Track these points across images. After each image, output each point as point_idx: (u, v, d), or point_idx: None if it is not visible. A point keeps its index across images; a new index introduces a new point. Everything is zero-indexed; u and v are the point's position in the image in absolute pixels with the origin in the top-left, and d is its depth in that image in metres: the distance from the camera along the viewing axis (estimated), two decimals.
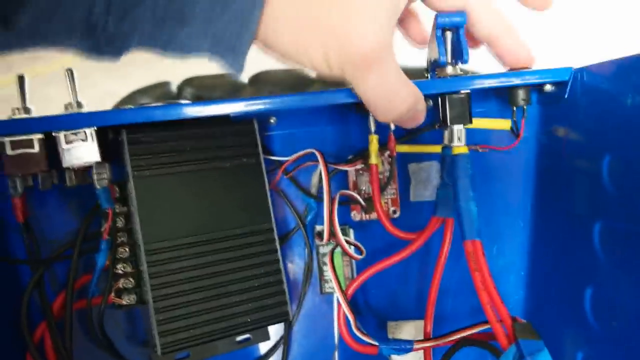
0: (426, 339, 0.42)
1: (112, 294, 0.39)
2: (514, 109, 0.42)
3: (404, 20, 0.40)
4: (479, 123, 0.43)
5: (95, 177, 0.38)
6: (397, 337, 0.47)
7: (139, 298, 0.40)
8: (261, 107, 0.37)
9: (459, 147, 0.39)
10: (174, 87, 0.58)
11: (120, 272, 0.39)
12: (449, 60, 0.39)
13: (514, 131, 0.43)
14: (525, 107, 0.41)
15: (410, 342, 0.40)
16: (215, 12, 0.28)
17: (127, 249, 0.40)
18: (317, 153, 0.41)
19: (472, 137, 0.45)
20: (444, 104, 0.38)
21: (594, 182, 0.37)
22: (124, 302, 0.39)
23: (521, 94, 0.40)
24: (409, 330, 0.46)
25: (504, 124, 0.43)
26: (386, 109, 0.33)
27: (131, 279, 0.40)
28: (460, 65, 0.39)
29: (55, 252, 0.40)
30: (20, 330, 0.38)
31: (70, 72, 0.38)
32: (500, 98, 0.45)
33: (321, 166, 0.40)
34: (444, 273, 0.43)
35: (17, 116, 0.37)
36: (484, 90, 0.39)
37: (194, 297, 0.39)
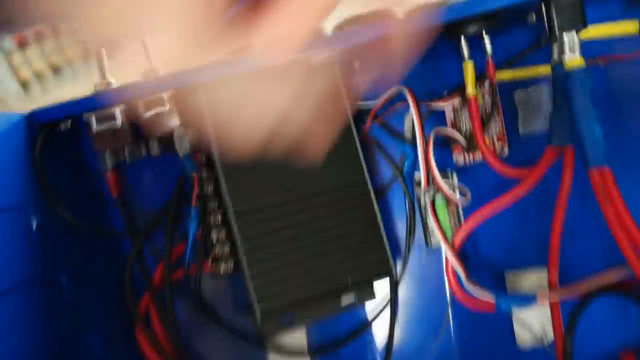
0: (552, 289, 0.36)
1: (209, 262, 0.39)
2: None
3: None
4: (596, 30, 0.36)
5: (177, 143, 0.37)
6: (517, 289, 0.42)
7: (235, 265, 0.39)
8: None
9: (573, 59, 0.32)
10: None
11: (214, 239, 0.39)
12: None
13: None
14: None
15: (532, 294, 0.35)
16: None
17: (219, 216, 0.39)
18: (405, 90, 0.37)
19: (590, 49, 0.38)
20: (549, 9, 0.32)
21: None
22: (222, 271, 0.38)
23: None
24: (530, 280, 0.41)
25: (631, 27, 0.36)
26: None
27: (226, 247, 0.39)
28: None
29: (151, 223, 0.40)
30: (127, 303, 0.39)
31: (144, 43, 0.38)
32: None
33: (411, 104, 0.36)
34: (568, 211, 0.37)
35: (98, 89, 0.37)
36: None
37: (289, 259, 0.37)
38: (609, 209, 0.30)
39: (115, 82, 0.38)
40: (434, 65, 0.42)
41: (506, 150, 0.41)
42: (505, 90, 0.41)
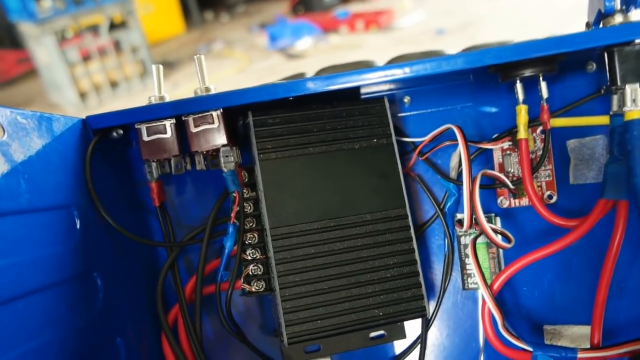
0: (594, 347, 0.34)
1: (242, 280, 0.38)
2: None
3: None
4: None
5: (222, 160, 0.38)
6: (555, 343, 0.40)
7: (267, 285, 0.39)
8: (395, 76, 0.34)
9: (634, 111, 0.31)
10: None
11: (249, 258, 0.39)
12: (618, 7, 0.32)
13: None
14: None
15: (573, 350, 0.34)
16: None
17: (256, 235, 0.39)
18: (455, 129, 0.36)
19: None
20: (612, 59, 0.32)
21: None
22: (253, 289, 0.38)
23: None
24: (571, 336, 0.39)
25: None
26: None
27: (260, 266, 0.39)
28: (633, 13, 0.32)
29: (188, 236, 0.41)
30: (157, 311, 0.39)
31: (199, 60, 0.39)
32: None
33: (460, 142, 0.35)
34: (617, 268, 0.35)
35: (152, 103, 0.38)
36: None
37: (321, 286, 0.37)
38: None
39: (168, 97, 0.39)
40: (485, 107, 0.41)
41: (554, 197, 0.39)
42: (558, 138, 0.40)
